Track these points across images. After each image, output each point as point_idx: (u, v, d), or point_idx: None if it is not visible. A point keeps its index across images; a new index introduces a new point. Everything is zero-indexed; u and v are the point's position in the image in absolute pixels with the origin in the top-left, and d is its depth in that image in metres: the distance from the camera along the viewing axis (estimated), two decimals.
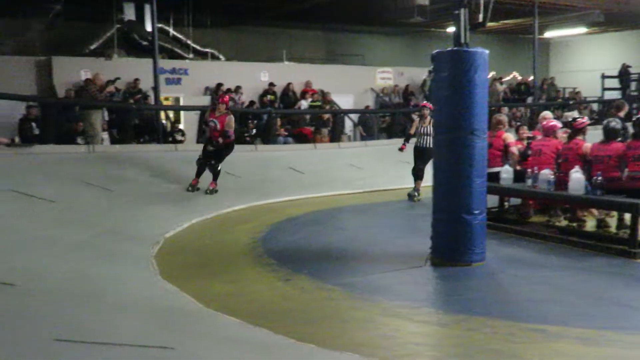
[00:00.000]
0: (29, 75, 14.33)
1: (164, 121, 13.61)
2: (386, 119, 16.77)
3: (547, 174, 7.09)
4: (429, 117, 9.60)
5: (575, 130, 7.43)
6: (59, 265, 5.29)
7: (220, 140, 9.20)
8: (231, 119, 9.35)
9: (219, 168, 9.32)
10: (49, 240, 6.01)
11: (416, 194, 9.70)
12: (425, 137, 9.63)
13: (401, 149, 9.98)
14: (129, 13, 16.18)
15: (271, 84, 16.51)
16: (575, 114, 15.67)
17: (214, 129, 9.27)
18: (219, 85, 15.50)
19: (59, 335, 3.21)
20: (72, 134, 11.04)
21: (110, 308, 4.35)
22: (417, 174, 9.76)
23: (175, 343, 3.44)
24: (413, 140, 9.96)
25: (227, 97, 10.05)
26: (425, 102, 11.37)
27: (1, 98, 11.38)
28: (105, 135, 11.93)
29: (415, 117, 11.63)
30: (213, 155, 9.27)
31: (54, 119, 10.69)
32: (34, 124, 11.22)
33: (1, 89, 11.32)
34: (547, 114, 9.12)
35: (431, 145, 9.24)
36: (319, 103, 16.32)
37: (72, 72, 14.36)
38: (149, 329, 3.92)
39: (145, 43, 15.89)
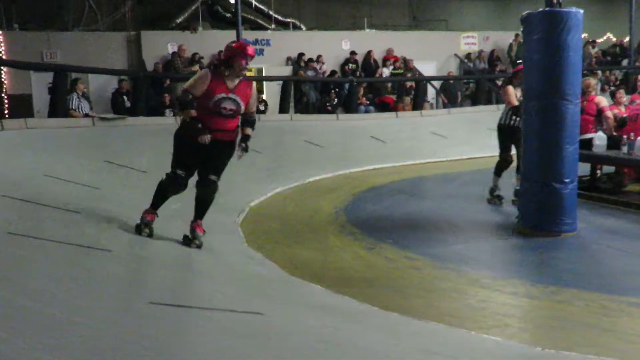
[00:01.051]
0: (121, 50, 14.89)
1: None
2: (470, 85, 16.30)
3: None
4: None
5: None
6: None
7: (250, 132, 5.08)
8: (254, 89, 5.11)
9: (217, 191, 5.13)
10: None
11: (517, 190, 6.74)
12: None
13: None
14: None
15: (353, 53, 16.35)
16: None
17: (235, 112, 4.89)
18: (301, 55, 15.54)
19: (155, 299, 3.35)
20: (161, 107, 11.39)
21: (201, 274, 4.51)
22: (520, 164, 6.49)
23: (263, 309, 3.53)
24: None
25: (251, 48, 4.96)
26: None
27: (95, 73, 11.99)
28: None
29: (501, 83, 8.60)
30: (210, 163, 5.05)
31: (144, 92, 11.05)
32: (125, 97, 11.69)
33: (96, 64, 11.88)
34: None
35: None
36: (400, 71, 16.06)
37: (159, 46, 14.79)
38: (237, 294, 4.04)
39: (228, 15, 16.17)
